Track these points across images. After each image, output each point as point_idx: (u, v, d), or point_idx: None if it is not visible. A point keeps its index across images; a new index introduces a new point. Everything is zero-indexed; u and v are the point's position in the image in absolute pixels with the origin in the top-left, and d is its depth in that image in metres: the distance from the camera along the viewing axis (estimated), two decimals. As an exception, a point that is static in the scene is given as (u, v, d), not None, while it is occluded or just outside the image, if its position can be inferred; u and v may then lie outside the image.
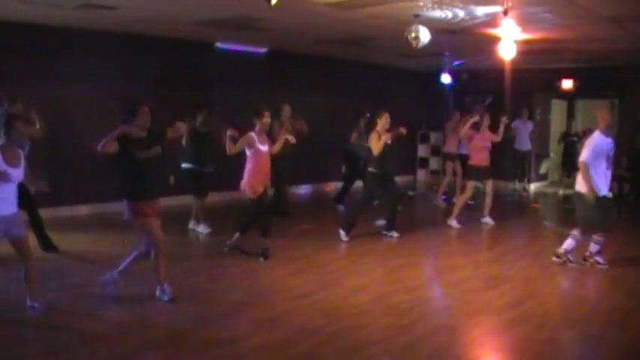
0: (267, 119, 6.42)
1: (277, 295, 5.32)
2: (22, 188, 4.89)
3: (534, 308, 5.07)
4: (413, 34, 6.85)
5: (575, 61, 11.31)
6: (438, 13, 6.91)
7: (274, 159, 6.78)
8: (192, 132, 7.49)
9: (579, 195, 6.16)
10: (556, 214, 10.83)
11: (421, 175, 14.92)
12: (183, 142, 7.57)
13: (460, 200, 8.75)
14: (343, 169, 10.26)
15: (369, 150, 7.59)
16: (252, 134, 6.33)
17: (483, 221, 8.75)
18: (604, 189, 6.07)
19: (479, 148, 8.53)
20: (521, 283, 5.80)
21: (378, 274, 6.17)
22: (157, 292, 5.04)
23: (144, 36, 9.02)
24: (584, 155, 6.00)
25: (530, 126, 12.12)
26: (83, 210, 8.82)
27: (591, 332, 4.61)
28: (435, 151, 14.50)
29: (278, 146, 6.69)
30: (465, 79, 13.54)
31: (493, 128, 8.72)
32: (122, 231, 7.29)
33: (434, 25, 7.10)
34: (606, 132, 6.06)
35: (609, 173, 6.13)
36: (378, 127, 7.48)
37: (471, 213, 8.90)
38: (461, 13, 6.95)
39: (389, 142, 7.51)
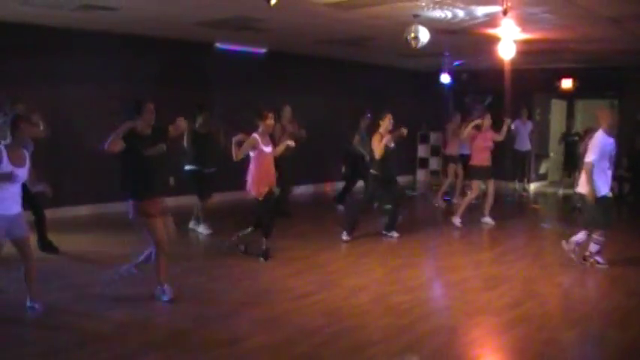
0: (270, 121, 6.42)
1: (278, 296, 5.32)
2: (27, 188, 4.91)
3: (534, 308, 5.07)
4: (412, 34, 6.85)
5: (575, 61, 11.31)
6: (437, 13, 6.92)
7: (276, 160, 6.77)
8: (193, 133, 7.49)
9: (582, 196, 6.22)
10: (556, 214, 10.83)
11: (421, 175, 14.92)
12: (185, 144, 7.57)
13: (466, 199, 8.77)
14: (343, 169, 10.27)
15: (371, 152, 7.58)
16: (256, 135, 6.32)
17: (483, 221, 8.75)
18: (605, 189, 6.09)
19: (481, 148, 8.55)
20: (521, 284, 5.80)
21: (378, 274, 6.17)
22: (157, 293, 5.04)
23: (144, 36, 9.02)
24: (591, 156, 6.02)
25: (529, 126, 12.12)
26: (83, 210, 8.82)
27: (591, 332, 4.62)
28: (435, 151, 14.50)
29: (279, 150, 6.68)
30: (465, 79, 13.54)
31: (495, 128, 8.74)
32: (122, 231, 7.31)
33: (433, 26, 7.11)
34: (609, 132, 6.09)
35: (610, 173, 6.16)
36: (381, 129, 7.46)
37: (471, 213, 8.90)
38: (460, 13, 6.96)
39: (391, 145, 7.50)
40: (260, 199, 6.36)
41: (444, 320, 4.83)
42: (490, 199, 8.72)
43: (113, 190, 8.31)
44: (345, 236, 7.48)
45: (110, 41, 8.70)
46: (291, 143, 6.84)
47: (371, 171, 7.66)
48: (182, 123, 5.31)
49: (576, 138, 11.60)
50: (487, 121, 8.62)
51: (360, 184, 9.65)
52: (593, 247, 6.31)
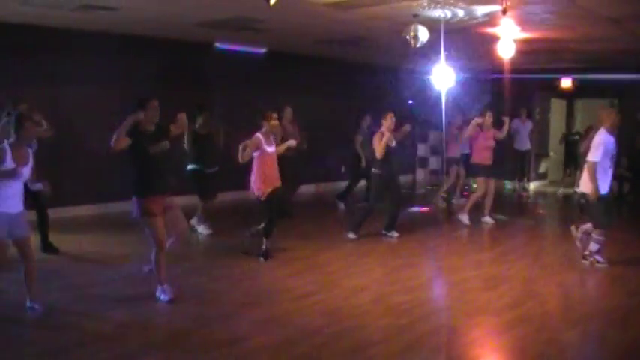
0: (275, 122, 6.42)
1: (278, 296, 5.32)
2: (28, 188, 4.92)
3: (534, 308, 5.07)
4: (412, 33, 6.86)
5: (575, 61, 11.30)
6: (437, 13, 6.91)
7: (278, 160, 6.76)
8: (193, 134, 7.48)
9: (584, 195, 6.24)
10: (557, 213, 10.84)
11: (421, 175, 14.91)
12: (185, 145, 7.56)
13: (473, 197, 8.82)
14: (342, 170, 10.26)
15: (373, 152, 7.59)
16: (259, 135, 6.32)
17: (483, 221, 8.75)
18: (605, 187, 6.11)
19: (482, 146, 8.58)
20: (521, 284, 5.80)
21: (378, 274, 6.17)
22: (158, 293, 5.04)
23: (144, 37, 9.03)
24: (596, 155, 6.02)
25: (529, 125, 12.13)
26: (84, 210, 8.82)
27: (592, 332, 4.62)
28: (435, 151, 14.49)
29: (280, 150, 6.67)
30: (465, 79, 13.50)
31: (496, 126, 8.76)
32: (123, 231, 7.32)
33: (433, 25, 7.11)
34: (611, 131, 6.09)
35: (610, 172, 6.18)
36: (383, 128, 7.46)
37: (470, 213, 8.89)
38: (460, 13, 6.96)
39: (393, 144, 7.50)
40: (262, 199, 6.36)
41: (444, 320, 4.83)
42: (489, 199, 8.73)
43: (113, 191, 8.36)
44: (351, 235, 7.52)
45: (110, 41, 8.70)
46: (292, 143, 6.84)
47: (373, 170, 7.66)
48: (183, 118, 5.31)
49: (577, 137, 11.61)
50: (488, 119, 8.64)
51: (362, 184, 9.65)
52: (593, 246, 6.31)
